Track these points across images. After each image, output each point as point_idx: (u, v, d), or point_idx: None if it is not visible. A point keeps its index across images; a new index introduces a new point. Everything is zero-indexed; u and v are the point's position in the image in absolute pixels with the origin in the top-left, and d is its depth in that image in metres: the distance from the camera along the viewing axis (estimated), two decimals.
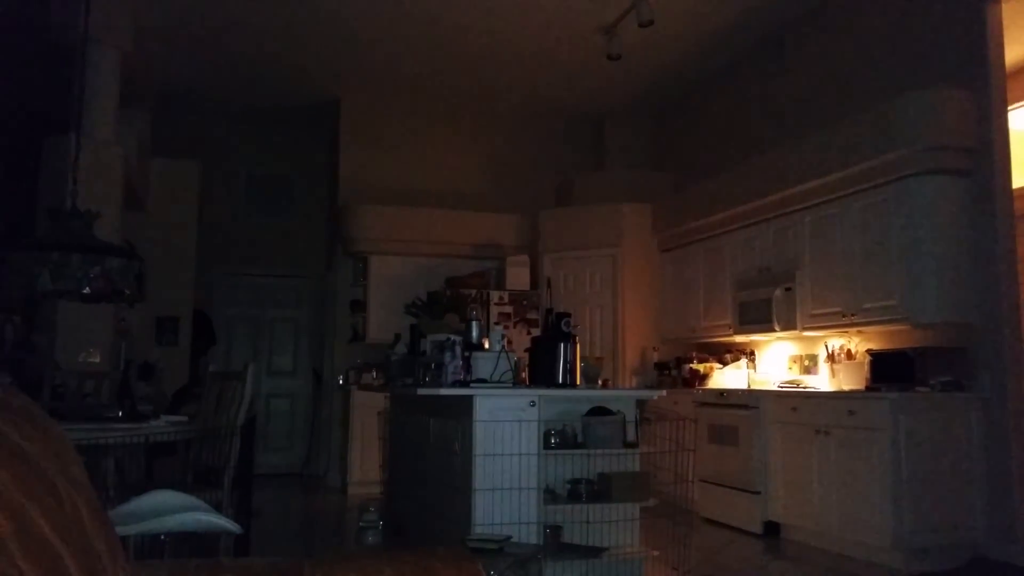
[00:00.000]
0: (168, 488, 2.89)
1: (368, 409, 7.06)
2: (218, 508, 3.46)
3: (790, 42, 6.81)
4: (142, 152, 7.10)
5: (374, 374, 7.38)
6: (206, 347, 8.26)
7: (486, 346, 4.48)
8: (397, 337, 6.57)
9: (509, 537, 3.47)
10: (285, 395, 9.28)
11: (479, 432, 3.85)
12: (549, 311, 4.64)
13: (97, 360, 5.71)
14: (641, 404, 4.65)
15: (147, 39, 6.89)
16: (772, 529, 5.57)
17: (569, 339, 4.31)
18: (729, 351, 7.00)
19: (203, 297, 8.37)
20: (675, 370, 7.28)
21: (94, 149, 5.63)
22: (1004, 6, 4.92)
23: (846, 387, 5.51)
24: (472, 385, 4.07)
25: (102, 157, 5.77)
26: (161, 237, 7.46)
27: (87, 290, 3.86)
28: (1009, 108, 5.02)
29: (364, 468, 7.28)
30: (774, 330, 6.08)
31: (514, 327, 7.54)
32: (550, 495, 3.99)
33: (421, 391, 4.08)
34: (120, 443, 3.63)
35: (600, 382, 5.11)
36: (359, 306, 8.12)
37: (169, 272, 7.46)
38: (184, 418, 4.29)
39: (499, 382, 4.15)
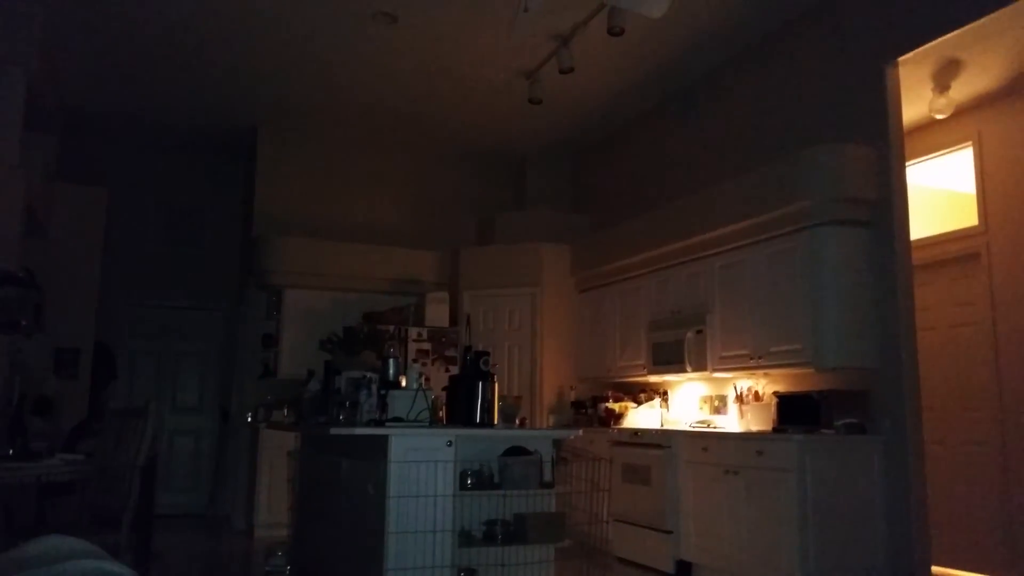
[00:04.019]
0: (61, 532, 2.72)
1: (277, 448, 6.85)
2: (115, 552, 3.28)
3: (703, 95, 7.07)
4: (47, 176, 6.80)
5: (285, 411, 7.18)
6: (107, 381, 7.89)
7: (403, 384, 4.42)
8: (310, 373, 6.41)
9: None
10: (190, 432, 8.93)
11: (394, 473, 3.78)
12: (468, 349, 4.62)
13: None
14: (558, 443, 4.66)
15: (56, 60, 6.66)
16: (684, 569, 5.63)
17: (487, 378, 4.30)
18: (643, 391, 7.10)
19: (106, 328, 8.02)
20: (591, 409, 7.34)
21: None
22: (901, 69, 5.22)
23: (754, 428, 5.65)
24: (388, 424, 4.00)
25: (4, 181, 5.50)
26: (64, 265, 7.12)
27: None
28: (907, 164, 5.31)
29: (272, 510, 7.04)
30: (686, 371, 6.21)
31: (432, 364, 7.48)
32: (465, 537, 3.93)
33: (334, 430, 3.99)
34: (9, 483, 3.41)
35: (518, 421, 5.10)
36: (271, 340, 7.91)
37: (71, 301, 7.11)
38: (81, 456, 4.08)
39: (416, 421, 4.09)
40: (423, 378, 4.56)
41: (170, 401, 8.92)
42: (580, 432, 5.02)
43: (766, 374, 5.72)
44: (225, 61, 6.91)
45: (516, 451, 4.15)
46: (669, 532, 5.68)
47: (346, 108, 7.94)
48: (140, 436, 3.76)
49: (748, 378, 5.93)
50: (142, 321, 8.88)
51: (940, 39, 4.87)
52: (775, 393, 5.45)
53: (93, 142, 8.54)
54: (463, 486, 3.94)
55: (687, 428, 6.17)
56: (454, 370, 6.93)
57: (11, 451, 3.78)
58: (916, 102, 5.72)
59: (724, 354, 5.88)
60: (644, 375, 6.83)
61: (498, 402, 4.37)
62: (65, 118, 7.73)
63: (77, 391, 7.16)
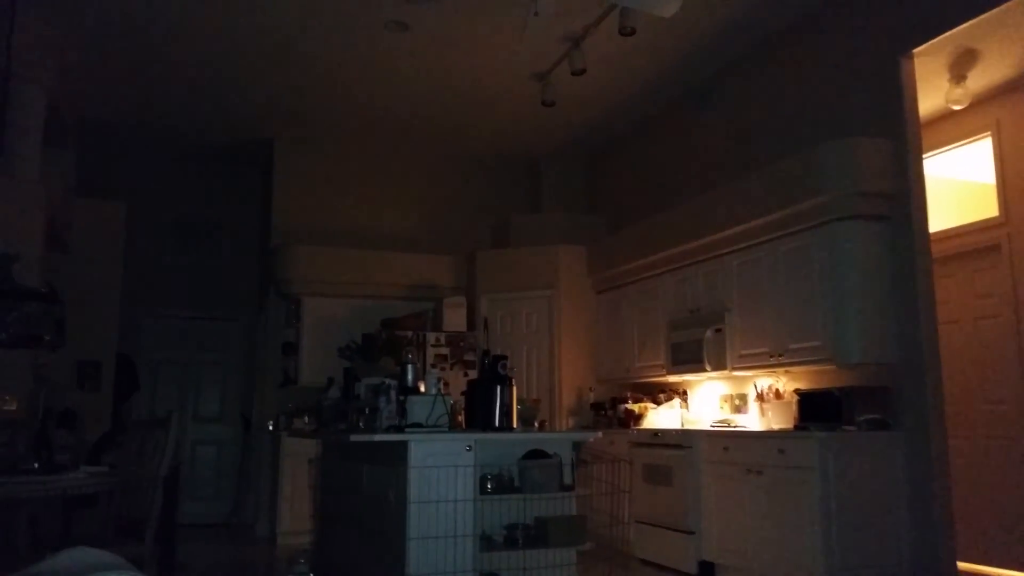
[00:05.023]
0: (86, 544, 2.75)
1: (299, 456, 6.89)
2: (140, 563, 3.31)
3: (716, 93, 7.04)
4: (66, 192, 6.89)
5: (306, 419, 7.22)
6: (129, 393, 7.97)
7: (422, 389, 4.43)
8: (330, 381, 6.44)
9: None
10: (212, 442, 8.99)
11: (414, 478, 3.79)
12: (486, 353, 4.62)
13: (14, 408, 5.44)
14: (577, 446, 4.65)
15: (73, 76, 6.74)
16: (707, 569, 5.59)
17: (506, 382, 4.29)
18: (663, 391, 7.07)
19: (127, 341, 8.10)
20: (611, 410, 7.32)
21: (15, 188, 5.44)
22: (917, 61, 5.17)
23: (775, 426, 5.61)
24: (407, 430, 4.01)
25: (24, 196, 5.57)
26: (84, 279, 7.20)
27: (3, 336, 3.70)
28: (925, 156, 5.26)
29: (294, 517, 7.08)
30: (705, 370, 6.17)
31: (451, 369, 7.49)
32: (486, 541, 3.93)
33: (354, 437, 4.00)
34: (35, 496, 3.45)
35: (537, 424, 5.10)
36: (291, 349, 7.95)
37: (92, 315, 7.19)
38: (104, 468, 4.12)
39: (435, 426, 4.09)
40: (442, 383, 4.57)
41: (192, 411, 8.99)
42: (600, 434, 5.01)
43: (786, 372, 5.68)
44: (240, 73, 6.96)
45: (536, 454, 4.14)
46: (691, 533, 5.65)
47: (360, 116, 7.97)
48: (162, 447, 3.79)
49: (768, 376, 5.89)
50: (163, 332, 8.96)
51: (955, 29, 4.82)
52: (796, 391, 5.41)
53: (110, 156, 8.62)
54: (483, 490, 3.94)
55: (708, 428, 6.13)
56: (473, 374, 6.93)
57: (36, 464, 3.82)
58: (933, 93, 5.66)
59: (743, 352, 5.84)
60: (663, 375, 6.80)
61: (517, 405, 4.36)
62: (82, 133, 7.82)
63: (100, 403, 7.24)
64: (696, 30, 6.23)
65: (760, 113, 6.48)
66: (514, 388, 4.33)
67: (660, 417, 6.82)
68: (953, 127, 6.13)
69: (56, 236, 6.44)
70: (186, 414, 8.87)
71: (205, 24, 6.11)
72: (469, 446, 3.89)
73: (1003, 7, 4.54)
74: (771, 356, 5.56)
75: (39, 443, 4.15)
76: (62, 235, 6.69)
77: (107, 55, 6.60)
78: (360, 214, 8.68)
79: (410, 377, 4.40)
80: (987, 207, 5.95)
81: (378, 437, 3.98)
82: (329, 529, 5.43)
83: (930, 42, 4.99)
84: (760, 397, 5.94)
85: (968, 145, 6.09)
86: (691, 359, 6.30)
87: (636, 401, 7.11)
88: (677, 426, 6.64)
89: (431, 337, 7.59)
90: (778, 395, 5.77)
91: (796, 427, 5.21)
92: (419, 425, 4.08)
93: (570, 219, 8.75)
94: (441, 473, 3.81)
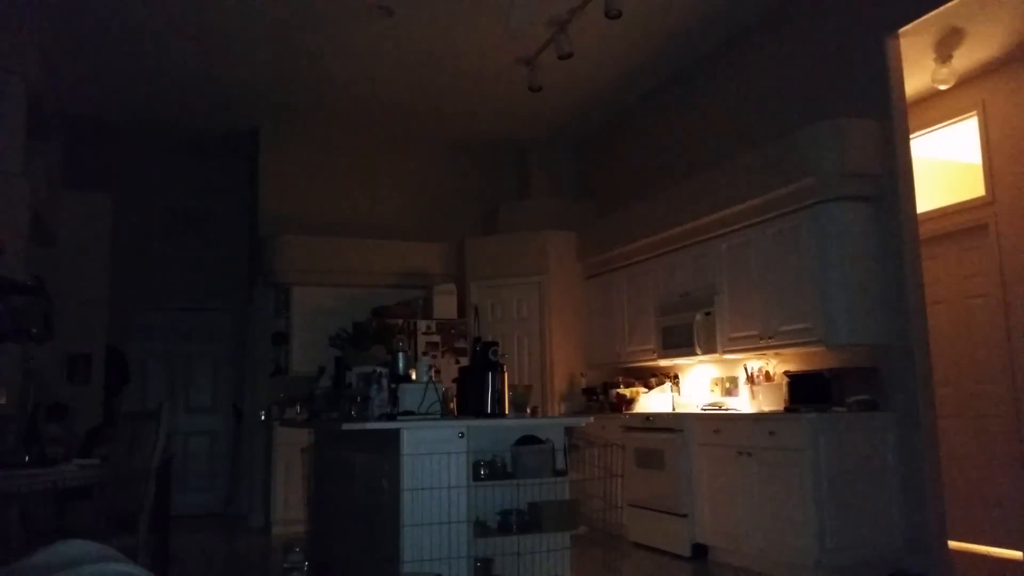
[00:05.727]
0: (79, 536, 2.75)
1: (291, 445, 6.89)
2: (133, 555, 3.31)
3: (703, 76, 7.03)
4: (51, 184, 6.83)
5: (298, 408, 7.21)
6: (120, 385, 7.94)
7: (413, 377, 4.43)
8: (321, 370, 6.44)
9: (439, 575, 3.41)
10: (204, 433, 8.99)
11: (407, 466, 3.79)
12: (477, 340, 4.62)
13: (3, 402, 5.41)
14: (570, 431, 4.66)
15: (56, 67, 6.68)
16: (700, 551, 5.63)
17: (497, 368, 4.30)
18: (654, 375, 7.10)
19: (117, 333, 8.07)
20: (602, 395, 7.34)
21: None
22: (903, 40, 5.18)
23: (766, 408, 5.64)
24: (399, 418, 4.01)
25: (8, 190, 5.52)
26: (72, 271, 7.16)
27: None
28: (911, 136, 5.27)
29: (288, 506, 7.09)
30: (696, 354, 6.20)
31: (442, 356, 7.49)
32: (480, 527, 3.94)
33: (346, 426, 4.00)
34: (25, 490, 3.44)
35: (529, 410, 5.10)
36: (281, 339, 7.94)
37: (81, 307, 7.15)
38: (96, 461, 4.10)
39: (427, 414, 4.10)
40: (433, 370, 4.56)
41: (184, 402, 8.97)
42: (591, 419, 5.02)
43: (776, 354, 5.70)
44: (224, 62, 6.91)
45: (528, 440, 4.15)
46: (684, 515, 5.68)
47: (346, 104, 7.93)
48: (153, 439, 3.78)
49: (758, 358, 5.91)
50: (152, 324, 8.94)
51: (941, 8, 4.82)
52: (786, 373, 5.44)
53: (95, 147, 8.56)
54: (476, 477, 3.95)
55: (699, 411, 6.16)
56: (464, 361, 6.94)
57: (27, 458, 3.80)
58: (918, 73, 5.67)
59: (733, 335, 5.87)
60: (654, 359, 6.83)
61: (508, 392, 4.37)
62: (66, 124, 7.75)
63: (91, 396, 7.21)
64: (682, 13, 6.22)
65: (747, 96, 6.47)
66: (505, 374, 4.34)
67: (651, 401, 6.85)
68: (939, 107, 6.15)
69: (42, 229, 6.39)
70: (177, 405, 8.86)
71: (189, 12, 6.05)
72: (461, 433, 3.90)
73: None
74: (761, 338, 5.58)
75: (29, 437, 4.14)
76: (48, 228, 6.64)
77: (90, 45, 6.53)
78: (348, 202, 8.64)
79: (401, 365, 4.40)
80: (974, 187, 5.98)
81: (370, 425, 3.98)
82: (324, 518, 5.44)
83: (916, 21, 4.99)
84: (750, 379, 5.96)
85: (954, 125, 6.11)
86: (682, 343, 6.32)
87: (627, 385, 7.13)
88: (668, 410, 6.66)
89: (422, 325, 7.58)
90: (768, 377, 5.80)
91: (786, 409, 5.24)
92: (411, 413, 4.08)
93: (559, 205, 8.74)
94: (434, 460, 3.81)
